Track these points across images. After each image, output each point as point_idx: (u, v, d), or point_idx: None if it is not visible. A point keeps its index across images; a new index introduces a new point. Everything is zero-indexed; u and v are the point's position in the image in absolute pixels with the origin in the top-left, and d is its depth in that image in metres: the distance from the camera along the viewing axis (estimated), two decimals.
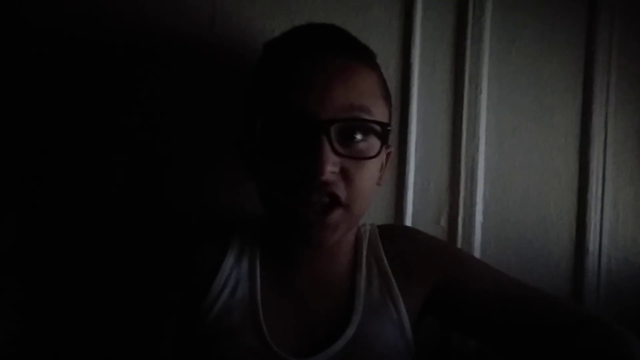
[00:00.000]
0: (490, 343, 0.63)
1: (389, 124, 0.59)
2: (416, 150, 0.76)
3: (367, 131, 0.55)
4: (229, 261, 0.61)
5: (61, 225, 0.71)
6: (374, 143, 0.56)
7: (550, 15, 0.77)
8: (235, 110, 0.67)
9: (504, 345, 0.61)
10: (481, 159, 0.77)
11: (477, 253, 0.76)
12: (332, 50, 0.56)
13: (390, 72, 0.74)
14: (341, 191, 0.54)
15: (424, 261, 0.63)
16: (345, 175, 0.54)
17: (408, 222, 0.76)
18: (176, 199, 0.73)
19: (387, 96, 0.60)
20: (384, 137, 0.56)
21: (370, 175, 0.57)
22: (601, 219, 0.78)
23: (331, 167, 0.52)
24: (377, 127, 0.56)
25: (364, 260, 0.63)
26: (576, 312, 0.61)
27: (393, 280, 0.62)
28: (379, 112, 0.57)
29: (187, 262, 0.61)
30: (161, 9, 0.72)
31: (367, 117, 0.55)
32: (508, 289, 0.62)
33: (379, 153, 0.56)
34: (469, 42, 0.76)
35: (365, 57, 0.59)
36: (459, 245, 0.76)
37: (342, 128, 0.54)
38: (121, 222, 0.72)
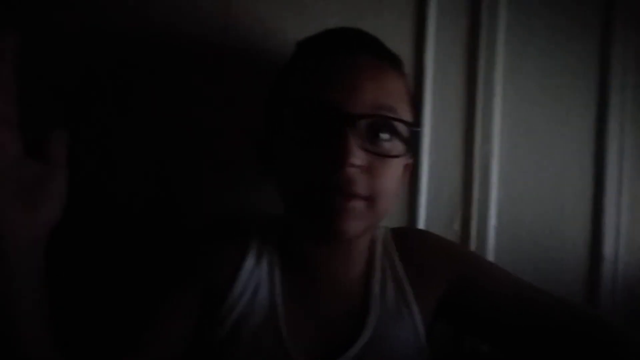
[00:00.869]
0: (503, 346, 0.62)
1: (415, 125, 0.60)
2: (429, 153, 0.76)
3: (393, 131, 0.56)
4: (249, 263, 0.61)
5: (77, 229, 0.71)
6: (399, 146, 0.57)
7: (565, 18, 0.77)
8: (251, 110, 0.68)
9: (516, 348, 0.61)
10: (495, 163, 0.76)
11: (490, 257, 0.76)
12: (363, 50, 0.57)
13: None
14: (364, 187, 0.54)
15: (438, 264, 0.63)
16: (369, 172, 0.54)
17: (421, 225, 0.76)
18: (191, 201, 0.73)
19: (413, 104, 0.61)
20: (409, 142, 0.57)
21: (394, 175, 0.57)
22: (617, 224, 0.77)
23: (355, 160, 0.52)
24: (404, 130, 0.57)
25: (378, 264, 0.63)
26: (592, 318, 0.60)
27: (407, 284, 0.62)
28: (405, 116, 0.58)
29: (209, 261, 0.60)
30: (175, 13, 0.72)
31: (393, 116, 0.56)
32: (522, 292, 0.61)
33: (402, 154, 0.57)
34: (482, 45, 0.76)
35: (394, 61, 0.60)
36: (472, 249, 0.75)
37: (369, 125, 0.55)
38: (137, 225, 0.72)
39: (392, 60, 0.59)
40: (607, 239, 0.77)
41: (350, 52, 0.57)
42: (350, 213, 0.54)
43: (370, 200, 0.55)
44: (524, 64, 0.77)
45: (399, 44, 0.74)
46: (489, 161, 0.76)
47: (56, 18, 0.70)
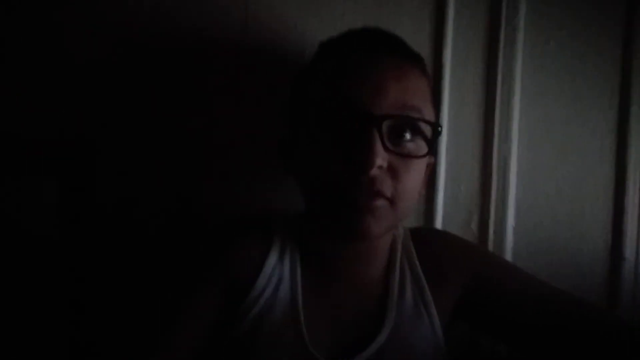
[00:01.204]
0: (520, 346, 0.63)
1: (439, 125, 0.59)
2: (447, 152, 0.76)
3: (416, 131, 0.56)
4: (273, 259, 0.61)
5: (98, 232, 0.72)
6: (422, 146, 0.57)
7: (586, 15, 0.76)
8: (271, 109, 0.68)
9: (534, 348, 0.61)
10: (513, 162, 0.76)
11: (508, 257, 0.75)
12: (386, 50, 0.57)
13: None
14: (387, 188, 0.54)
15: (456, 264, 0.63)
16: (392, 172, 0.54)
17: (439, 225, 0.75)
18: (213, 199, 0.73)
19: (434, 105, 0.61)
20: (431, 142, 0.57)
21: (417, 176, 0.57)
22: (638, 224, 0.76)
23: (380, 161, 0.53)
24: (427, 129, 0.57)
25: (398, 264, 0.63)
26: (612, 319, 0.60)
27: (425, 285, 0.62)
28: (429, 115, 0.58)
29: (231, 257, 0.61)
30: (194, 13, 0.73)
31: (416, 116, 0.56)
32: (540, 292, 0.61)
33: (426, 155, 0.57)
34: (501, 44, 0.75)
35: (417, 61, 0.60)
36: (490, 249, 0.75)
37: (393, 125, 0.55)
38: (158, 226, 0.73)
39: (415, 60, 0.59)
40: (628, 239, 0.76)
41: (374, 52, 0.57)
42: (374, 213, 0.54)
43: (393, 200, 0.55)
44: (543, 62, 0.76)
45: (418, 43, 0.73)
46: (508, 161, 0.75)
47: (61, 17, 0.71)
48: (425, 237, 0.66)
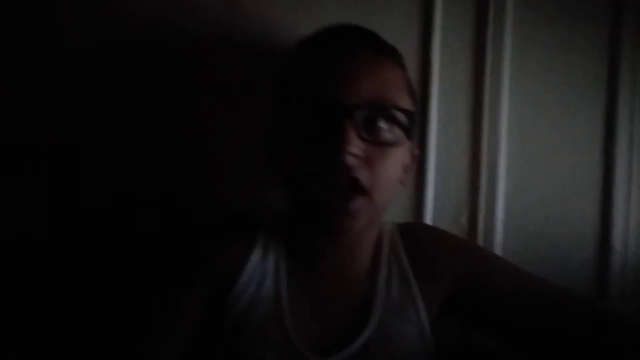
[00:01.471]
0: (511, 341, 0.63)
1: (413, 112, 0.59)
2: (437, 147, 0.76)
3: (391, 120, 0.57)
4: (256, 255, 0.62)
5: (81, 225, 0.72)
6: (399, 135, 0.57)
7: (573, 11, 0.76)
8: (258, 107, 0.68)
9: (524, 343, 0.61)
10: (502, 156, 0.76)
11: (498, 251, 0.76)
12: (360, 44, 0.58)
13: (410, 70, 0.72)
14: (363, 176, 0.55)
15: (445, 260, 0.63)
16: (368, 161, 0.55)
17: (428, 219, 0.76)
18: (200, 197, 0.74)
19: (412, 94, 0.62)
20: (408, 130, 0.58)
21: (393, 165, 0.58)
22: (627, 216, 0.77)
23: (354, 149, 0.53)
24: (402, 117, 0.57)
25: (385, 259, 0.63)
26: (601, 311, 0.60)
27: (413, 280, 0.62)
28: (404, 104, 0.58)
29: (215, 253, 0.62)
30: (180, 10, 0.73)
31: (391, 106, 0.57)
32: (530, 287, 0.62)
33: (401, 140, 0.57)
34: (489, 39, 0.75)
35: (391, 53, 0.61)
36: (480, 243, 0.75)
37: (367, 116, 0.55)
38: (145, 221, 0.73)
39: (388, 53, 0.61)
40: (616, 231, 0.77)
41: (348, 46, 0.58)
42: (352, 212, 0.55)
43: (370, 193, 0.55)
44: (531, 57, 0.76)
45: (406, 39, 0.74)
46: (497, 155, 0.76)
47: (49, 18, 0.71)
48: (413, 232, 0.66)
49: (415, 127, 0.63)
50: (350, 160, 0.53)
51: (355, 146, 0.53)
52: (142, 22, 0.72)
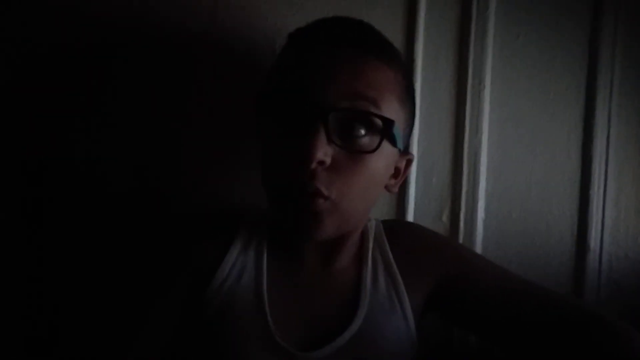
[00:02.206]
0: (492, 339, 0.63)
1: (392, 121, 0.54)
2: (419, 145, 0.76)
3: (370, 126, 0.53)
4: (236, 249, 0.61)
5: (63, 219, 0.70)
6: (377, 142, 0.53)
7: (554, 11, 0.77)
8: (239, 103, 0.67)
9: (505, 341, 0.62)
10: (484, 155, 0.77)
11: (478, 249, 0.76)
12: (346, 41, 0.55)
13: None
14: (329, 186, 0.52)
15: (429, 258, 0.63)
16: (341, 169, 0.52)
17: (410, 217, 0.76)
18: (182, 194, 0.73)
19: (406, 100, 0.58)
20: (387, 135, 0.54)
21: (368, 173, 0.54)
22: (603, 216, 0.78)
23: (321, 155, 0.50)
24: (380, 123, 0.53)
25: (370, 254, 0.63)
26: (578, 308, 0.61)
27: (399, 276, 0.61)
28: (389, 110, 0.55)
29: (195, 248, 0.61)
30: (162, 3, 0.71)
31: (371, 109, 0.53)
32: (510, 286, 0.62)
33: (376, 149, 0.53)
34: (472, 38, 0.76)
35: (383, 53, 0.57)
36: (460, 241, 0.76)
37: (343, 119, 0.52)
38: (126, 214, 0.72)
39: (380, 51, 0.56)
40: (592, 231, 0.78)
41: (333, 42, 0.54)
42: (313, 216, 0.53)
43: (335, 202, 0.53)
44: (513, 56, 0.77)
45: (390, 37, 0.73)
46: (478, 154, 0.76)
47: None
48: (398, 230, 0.66)
49: (409, 130, 0.61)
50: (316, 167, 0.51)
51: (323, 152, 0.51)
52: (123, 10, 0.71)
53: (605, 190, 0.78)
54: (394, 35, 0.74)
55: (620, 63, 0.77)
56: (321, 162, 0.51)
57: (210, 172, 0.73)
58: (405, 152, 0.62)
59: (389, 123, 0.54)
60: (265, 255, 0.61)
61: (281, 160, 0.53)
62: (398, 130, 0.56)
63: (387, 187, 0.60)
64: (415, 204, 0.76)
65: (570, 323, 0.58)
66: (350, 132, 0.53)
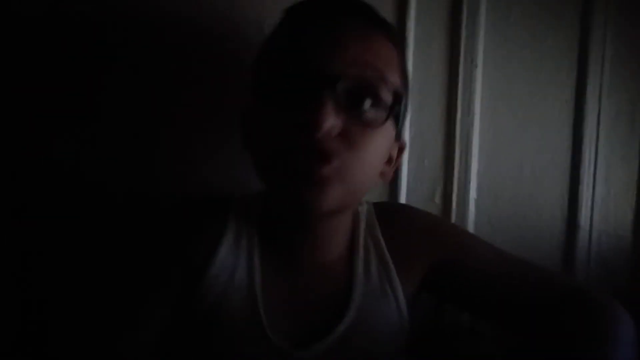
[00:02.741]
0: (486, 317, 0.64)
1: (402, 96, 0.53)
2: (411, 126, 0.76)
3: (378, 100, 0.51)
4: (227, 242, 0.58)
5: (52, 217, 0.69)
6: (383, 116, 0.51)
7: None
8: (229, 89, 0.66)
9: (499, 319, 0.62)
10: (475, 135, 0.77)
11: (471, 229, 0.77)
12: (353, 13, 0.53)
13: None
14: (336, 151, 0.49)
15: (422, 241, 0.62)
16: (346, 140, 0.50)
17: (402, 198, 0.76)
18: (169, 180, 0.71)
19: (404, 77, 0.57)
20: (394, 113, 0.52)
21: (372, 149, 0.52)
22: (593, 194, 0.79)
23: (330, 123, 0.48)
24: (388, 97, 0.51)
25: (362, 242, 0.61)
26: (569, 285, 0.61)
27: (391, 263, 0.60)
28: (395, 84, 0.53)
29: (184, 243, 0.58)
30: None
31: (379, 81, 0.51)
32: (505, 265, 0.62)
33: (384, 123, 0.51)
34: (464, 17, 0.75)
35: (389, 30, 0.55)
36: (453, 221, 0.76)
37: (351, 89, 0.50)
38: (114, 207, 0.70)
39: (383, 27, 0.55)
40: (583, 209, 0.79)
41: (336, 13, 0.52)
42: (322, 183, 0.49)
43: (344, 170, 0.50)
44: (505, 35, 0.77)
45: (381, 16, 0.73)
46: (470, 135, 0.76)
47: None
48: (390, 214, 0.64)
49: (404, 115, 0.60)
50: (324, 135, 0.48)
51: (332, 120, 0.48)
52: (113, 9, 0.69)
53: (595, 169, 0.79)
54: (385, 15, 0.71)
55: (612, 41, 0.77)
56: (330, 131, 0.48)
57: (199, 164, 0.71)
58: (398, 138, 0.60)
59: (398, 97, 0.52)
60: (256, 248, 0.58)
61: (283, 132, 0.50)
62: (402, 109, 0.55)
63: (382, 173, 0.58)
64: (407, 186, 0.76)
65: (561, 300, 0.58)
66: (358, 105, 0.51)
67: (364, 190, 0.55)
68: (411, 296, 0.61)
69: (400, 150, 0.61)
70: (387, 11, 0.74)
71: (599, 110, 0.78)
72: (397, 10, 0.74)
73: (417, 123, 0.76)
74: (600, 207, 0.80)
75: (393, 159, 0.60)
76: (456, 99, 0.76)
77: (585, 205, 0.79)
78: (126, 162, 0.70)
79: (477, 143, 0.77)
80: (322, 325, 0.57)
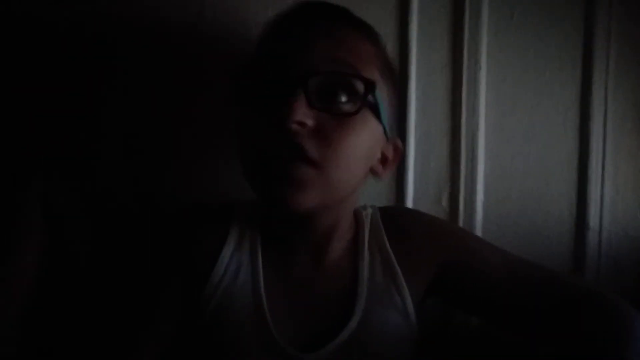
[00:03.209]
0: (495, 322, 0.63)
1: (373, 83, 0.53)
2: (416, 129, 0.76)
3: (353, 92, 0.52)
4: (229, 247, 0.59)
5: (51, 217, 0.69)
6: (360, 107, 0.52)
7: None
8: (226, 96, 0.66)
9: (509, 323, 0.61)
10: (481, 136, 0.76)
11: (478, 232, 0.76)
12: (325, 15, 0.55)
13: (388, 50, 0.72)
14: (311, 146, 0.50)
15: (428, 245, 0.62)
16: (321, 133, 0.51)
17: (409, 202, 0.76)
18: (170, 188, 0.72)
19: (387, 77, 0.58)
20: (366, 100, 0.52)
21: (352, 140, 0.52)
22: (601, 194, 0.78)
23: (301, 116, 0.49)
24: (361, 87, 0.52)
25: (366, 245, 0.61)
26: (579, 287, 0.61)
27: (397, 266, 0.60)
28: (372, 79, 0.54)
29: (187, 247, 0.59)
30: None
31: (353, 76, 0.52)
32: (513, 268, 0.61)
33: (358, 111, 0.52)
34: (467, 18, 0.75)
35: (363, 27, 0.57)
36: (460, 224, 0.76)
37: (324, 84, 0.51)
38: (116, 209, 0.70)
39: (360, 25, 0.57)
40: (591, 209, 0.78)
41: (310, 15, 0.55)
42: (295, 182, 0.51)
43: (321, 165, 0.51)
44: (508, 36, 0.76)
45: (383, 21, 0.74)
46: (476, 136, 0.76)
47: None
48: (396, 218, 0.64)
49: (396, 117, 0.61)
50: (295, 127, 0.49)
51: (302, 114, 0.49)
52: (109, 10, 0.69)
53: (603, 169, 0.78)
54: (387, 17, 0.74)
55: (616, 40, 0.76)
56: (302, 124, 0.50)
57: (197, 167, 0.72)
58: (392, 137, 0.60)
59: (370, 86, 0.53)
60: (259, 252, 0.59)
61: (260, 133, 0.52)
62: (382, 103, 0.55)
63: (374, 172, 0.59)
64: (413, 189, 0.76)
65: (570, 302, 0.58)
66: (332, 99, 0.52)
67: (347, 188, 0.55)
68: (418, 300, 0.61)
69: (397, 149, 0.61)
70: (390, 14, 0.74)
71: (605, 110, 0.77)
72: (400, 15, 0.74)
73: (422, 125, 0.76)
74: (610, 206, 0.78)
75: (388, 158, 0.60)
76: (461, 101, 0.76)
77: (594, 206, 0.78)
78: (129, 164, 0.71)
79: (483, 145, 0.76)
80: (327, 327, 0.57)
